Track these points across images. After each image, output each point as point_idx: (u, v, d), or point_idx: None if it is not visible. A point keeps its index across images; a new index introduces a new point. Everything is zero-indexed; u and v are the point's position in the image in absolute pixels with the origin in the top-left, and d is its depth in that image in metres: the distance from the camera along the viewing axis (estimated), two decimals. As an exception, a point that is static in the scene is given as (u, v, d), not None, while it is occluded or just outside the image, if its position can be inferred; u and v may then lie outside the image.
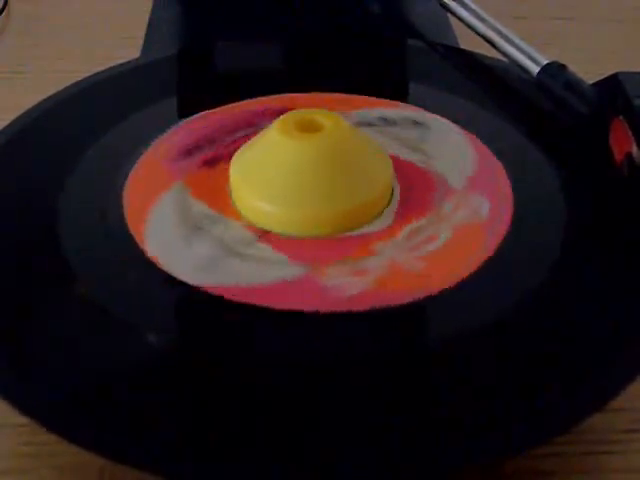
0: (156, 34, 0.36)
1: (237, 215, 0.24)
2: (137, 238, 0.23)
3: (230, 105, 0.29)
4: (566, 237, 0.23)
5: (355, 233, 0.24)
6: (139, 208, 0.24)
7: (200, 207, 0.24)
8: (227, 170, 0.25)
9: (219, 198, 0.25)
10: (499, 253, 0.23)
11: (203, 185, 0.25)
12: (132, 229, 0.24)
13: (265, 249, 0.23)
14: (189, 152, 0.26)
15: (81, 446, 0.18)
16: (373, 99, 0.29)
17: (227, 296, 0.22)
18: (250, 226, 0.24)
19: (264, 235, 0.23)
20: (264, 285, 0.22)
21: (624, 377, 0.19)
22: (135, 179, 0.26)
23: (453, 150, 0.27)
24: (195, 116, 0.28)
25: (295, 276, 0.22)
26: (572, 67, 0.28)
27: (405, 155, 0.26)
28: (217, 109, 0.29)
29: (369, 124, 0.28)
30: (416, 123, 0.28)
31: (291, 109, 0.26)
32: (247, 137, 0.26)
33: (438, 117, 0.28)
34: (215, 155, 0.26)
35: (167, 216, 0.24)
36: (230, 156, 0.26)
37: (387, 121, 0.28)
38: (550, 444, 0.20)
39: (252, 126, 0.28)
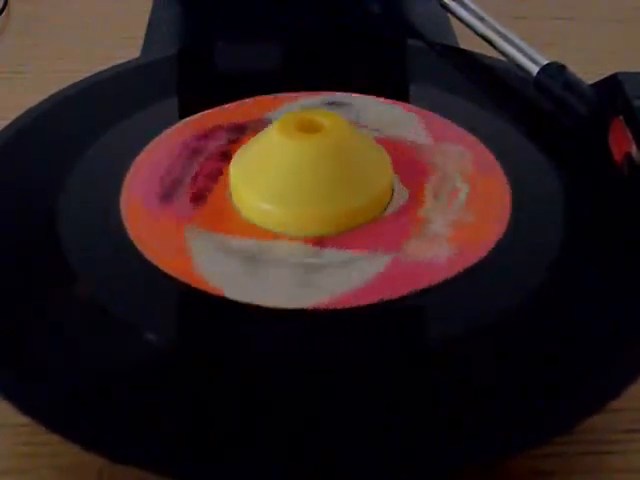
0: (156, 34, 0.36)
1: (274, 236, 0.24)
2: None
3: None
4: (566, 237, 0.23)
5: (385, 215, 0.24)
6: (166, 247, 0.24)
7: (237, 240, 0.23)
8: (223, 198, 0.25)
9: (244, 228, 0.24)
10: (497, 253, 0.23)
11: (215, 220, 0.24)
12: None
13: (333, 254, 0.23)
14: (168, 195, 0.25)
15: (81, 446, 0.18)
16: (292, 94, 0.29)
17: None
18: (300, 239, 0.23)
19: (322, 242, 0.23)
20: (365, 284, 0.22)
21: (624, 377, 0.19)
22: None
23: (392, 116, 0.28)
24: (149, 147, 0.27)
25: (386, 265, 0.22)
26: (572, 67, 0.28)
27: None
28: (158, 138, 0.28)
29: None
30: (335, 104, 0.29)
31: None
32: (206, 161, 0.26)
33: (353, 95, 0.29)
34: (197, 191, 0.25)
35: (212, 256, 0.23)
36: (212, 184, 0.25)
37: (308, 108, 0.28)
38: (550, 444, 0.20)
39: (200, 152, 0.27)
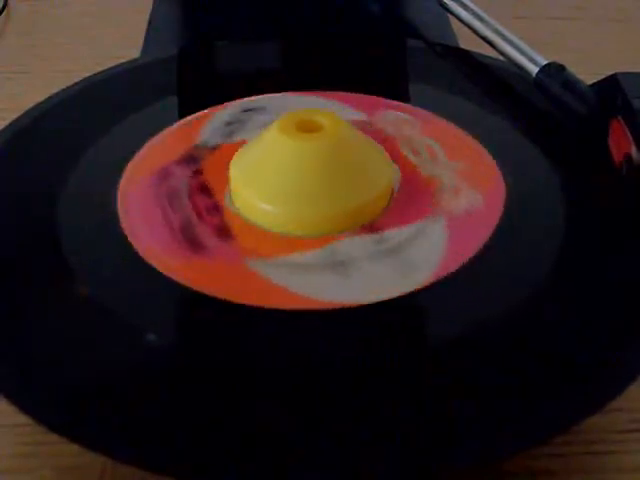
0: (156, 34, 0.36)
1: (328, 239, 0.23)
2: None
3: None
4: (565, 237, 0.23)
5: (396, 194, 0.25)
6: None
7: (300, 256, 0.23)
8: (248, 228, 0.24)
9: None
10: (495, 253, 0.23)
11: (265, 247, 0.23)
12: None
13: (395, 233, 0.23)
14: (194, 242, 0.24)
15: (81, 445, 0.18)
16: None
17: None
18: (360, 231, 0.23)
19: (372, 229, 0.24)
20: (449, 246, 0.23)
21: (624, 377, 0.19)
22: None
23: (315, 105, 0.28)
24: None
25: (447, 224, 0.23)
26: (572, 67, 0.28)
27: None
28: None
29: None
30: (252, 110, 0.29)
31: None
32: (194, 202, 0.25)
33: (268, 96, 0.29)
34: (216, 228, 0.24)
35: (295, 276, 0.22)
36: (221, 218, 0.24)
37: None
38: (550, 444, 0.20)
39: (177, 193, 0.25)
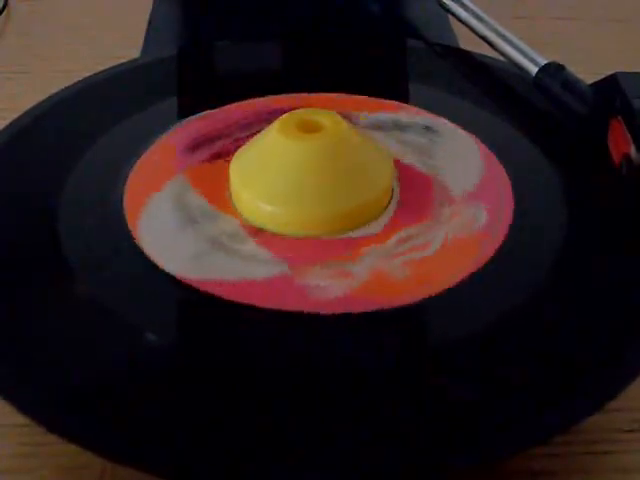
0: (156, 34, 0.36)
1: (234, 212, 0.24)
2: (133, 233, 0.23)
3: (249, 101, 0.29)
4: (565, 237, 0.23)
5: (345, 236, 0.24)
6: (137, 201, 0.25)
7: (199, 201, 0.24)
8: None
9: (220, 194, 0.25)
10: (498, 253, 0.23)
11: (205, 180, 0.25)
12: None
13: (253, 247, 0.23)
14: (198, 145, 0.27)
15: (81, 446, 0.18)
16: (382, 101, 0.29)
17: (212, 291, 0.22)
18: (245, 224, 0.24)
19: (257, 233, 0.24)
20: (248, 281, 0.22)
21: (624, 377, 0.19)
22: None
23: (460, 158, 0.27)
24: (214, 110, 0.29)
25: (278, 274, 0.22)
26: (572, 67, 0.28)
27: (411, 160, 0.26)
28: (233, 105, 0.29)
29: (379, 127, 0.28)
30: (427, 129, 0.28)
31: (299, 108, 0.26)
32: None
33: (448, 122, 0.28)
34: (222, 150, 0.27)
35: (164, 207, 0.24)
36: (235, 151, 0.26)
37: (398, 125, 0.28)
38: (550, 444, 0.20)
39: (265, 122, 0.27)
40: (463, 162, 0.26)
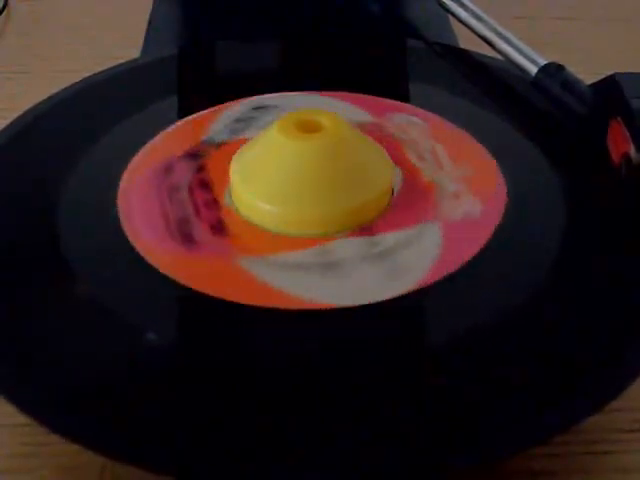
0: (156, 34, 0.36)
1: (322, 239, 0.23)
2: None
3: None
4: (565, 237, 0.23)
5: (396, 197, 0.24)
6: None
7: (292, 255, 0.23)
8: (242, 224, 0.24)
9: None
10: (495, 252, 0.23)
11: (256, 245, 0.23)
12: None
13: (388, 237, 0.23)
14: (188, 236, 0.24)
15: (82, 445, 0.18)
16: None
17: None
18: (353, 233, 0.23)
19: (368, 231, 0.23)
20: (442, 253, 0.23)
21: (624, 377, 0.19)
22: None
23: (323, 105, 0.27)
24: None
25: (442, 230, 0.23)
26: (572, 67, 0.28)
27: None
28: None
29: None
30: (262, 107, 0.28)
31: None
32: (193, 196, 0.25)
33: (279, 94, 0.29)
34: (212, 224, 0.24)
35: (286, 276, 0.22)
36: (218, 214, 0.24)
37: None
38: (550, 444, 0.20)
39: (177, 187, 0.25)
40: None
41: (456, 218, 0.24)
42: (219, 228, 0.24)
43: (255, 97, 0.29)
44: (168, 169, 0.26)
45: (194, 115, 0.28)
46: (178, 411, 0.19)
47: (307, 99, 0.29)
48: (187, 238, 0.23)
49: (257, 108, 0.29)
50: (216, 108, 0.29)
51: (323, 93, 0.29)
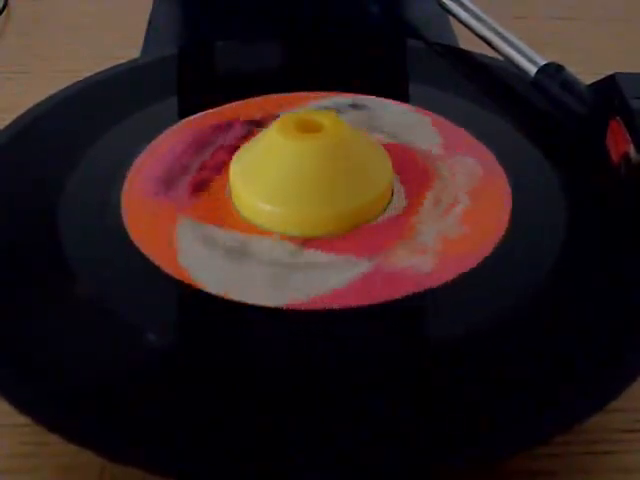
0: (156, 34, 0.36)
1: (265, 233, 0.24)
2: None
3: (185, 121, 0.28)
4: (564, 237, 0.23)
5: (381, 220, 0.24)
6: (154, 238, 0.24)
7: (224, 233, 0.24)
8: (223, 191, 0.25)
9: (235, 221, 0.24)
10: (496, 254, 0.23)
11: (209, 211, 0.24)
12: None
13: (316, 255, 0.23)
14: (170, 182, 0.25)
15: (81, 446, 0.18)
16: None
17: (306, 307, 0.21)
18: (288, 238, 0.23)
19: (306, 242, 0.23)
20: (344, 287, 0.22)
21: (624, 377, 0.19)
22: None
23: (409, 122, 0.28)
24: (157, 139, 0.27)
25: (369, 269, 0.22)
26: (572, 67, 0.29)
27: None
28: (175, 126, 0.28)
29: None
30: (355, 106, 0.28)
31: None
32: (216, 152, 0.27)
33: (373, 97, 0.29)
34: (199, 181, 0.25)
35: (196, 248, 0.23)
36: (215, 175, 0.25)
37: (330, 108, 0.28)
38: (550, 444, 0.20)
39: (213, 143, 0.27)
40: (416, 126, 0.27)
41: (396, 266, 0.23)
42: (200, 188, 0.25)
43: (358, 95, 0.29)
44: (227, 126, 0.27)
45: (291, 94, 0.29)
46: (178, 411, 0.19)
47: (405, 112, 0.29)
48: (168, 185, 0.25)
49: (354, 105, 0.29)
50: (316, 93, 0.29)
51: (422, 111, 0.29)
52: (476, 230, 0.24)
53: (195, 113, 0.28)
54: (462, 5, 0.32)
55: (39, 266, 0.23)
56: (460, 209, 0.24)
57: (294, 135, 0.24)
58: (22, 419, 0.19)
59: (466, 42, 0.33)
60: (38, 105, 0.29)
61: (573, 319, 0.21)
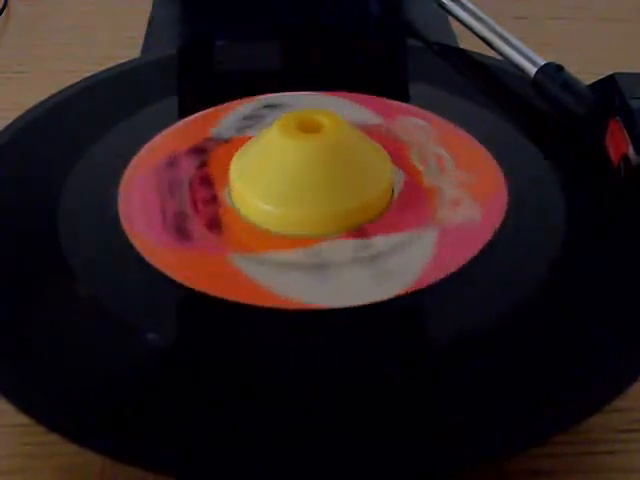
0: (156, 34, 0.36)
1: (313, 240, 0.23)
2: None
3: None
4: (564, 237, 0.23)
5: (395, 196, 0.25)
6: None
7: (281, 254, 0.23)
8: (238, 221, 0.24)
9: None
10: (494, 253, 0.23)
11: (247, 242, 0.23)
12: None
13: (384, 239, 0.23)
14: (182, 230, 0.24)
15: (81, 446, 0.18)
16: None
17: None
18: (342, 236, 0.23)
19: (362, 234, 0.23)
20: (431, 258, 0.23)
21: (624, 377, 0.19)
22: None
23: (331, 106, 0.27)
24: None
25: (438, 234, 0.23)
26: (571, 67, 0.28)
27: None
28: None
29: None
30: (272, 106, 0.28)
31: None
32: (193, 191, 0.25)
33: (288, 94, 0.29)
34: (208, 220, 0.24)
35: (275, 274, 0.22)
36: (216, 209, 0.24)
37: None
38: (550, 444, 0.20)
39: (179, 182, 0.25)
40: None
41: (454, 223, 0.24)
42: (215, 224, 0.24)
43: (268, 95, 0.29)
44: (172, 163, 0.26)
45: (203, 112, 0.28)
46: (178, 411, 0.19)
47: (318, 99, 0.29)
48: (182, 233, 0.24)
49: (268, 106, 0.29)
50: (226, 105, 0.29)
51: (335, 93, 0.29)
52: (477, 176, 0.25)
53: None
54: (462, 5, 0.32)
55: (39, 266, 0.23)
56: (451, 163, 0.25)
57: (294, 135, 0.24)
58: (22, 419, 0.19)
59: (466, 42, 0.33)
60: (38, 105, 0.29)
61: (573, 319, 0.21)
